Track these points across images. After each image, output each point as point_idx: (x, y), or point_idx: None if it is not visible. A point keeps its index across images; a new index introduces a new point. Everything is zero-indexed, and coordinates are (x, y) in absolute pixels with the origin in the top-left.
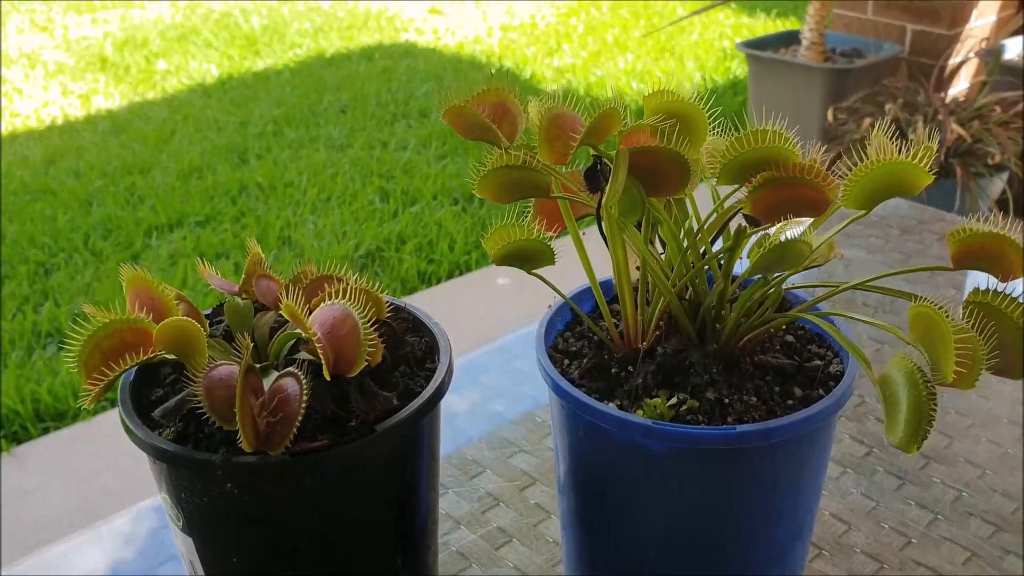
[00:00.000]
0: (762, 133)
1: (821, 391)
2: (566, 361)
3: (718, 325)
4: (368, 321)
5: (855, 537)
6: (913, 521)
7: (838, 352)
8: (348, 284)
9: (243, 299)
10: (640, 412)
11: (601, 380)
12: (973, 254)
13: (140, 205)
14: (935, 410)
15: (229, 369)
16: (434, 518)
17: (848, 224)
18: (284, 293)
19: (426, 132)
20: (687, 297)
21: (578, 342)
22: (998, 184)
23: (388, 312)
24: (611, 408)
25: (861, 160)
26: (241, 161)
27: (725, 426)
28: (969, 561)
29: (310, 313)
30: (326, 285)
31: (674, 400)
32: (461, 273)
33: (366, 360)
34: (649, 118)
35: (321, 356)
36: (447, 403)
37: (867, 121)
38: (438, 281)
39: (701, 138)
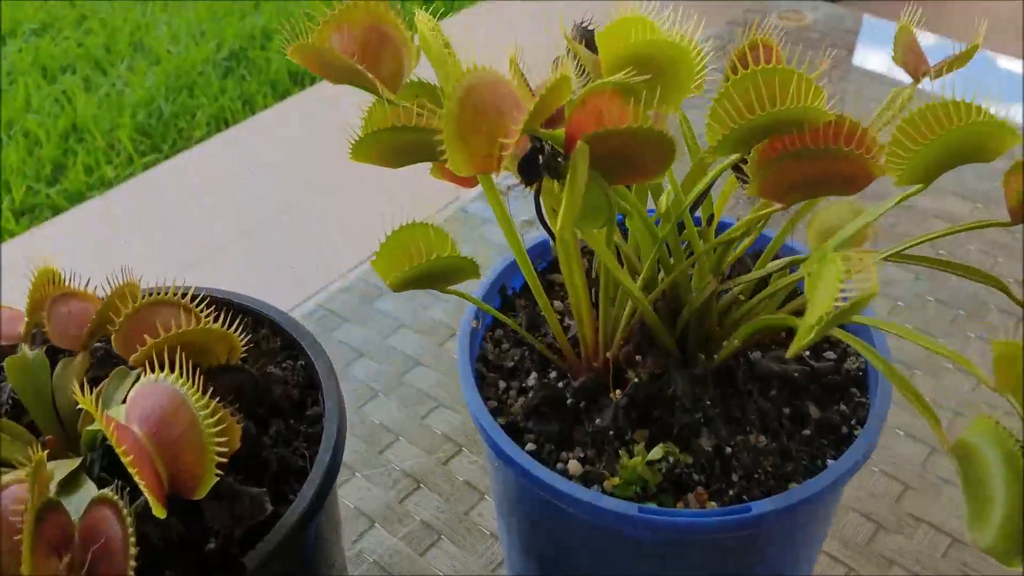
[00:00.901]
0: (778, 75)
1: (843, 406)
2: (501, 383)
3: (705, 331)
4: (206, 404)
5: None
6: None
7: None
8: (182, 319)
9: (32, 346)
10: (614, 482)
11: (554, 420)
12: None
13: None
14: None
15: (16, 497)
16: None
17: (901, 201)
18: (84, 358)
19: None
20: (664, 296)
21: (515, 349)
22: None
23: (245, 341)
24: (578, 489)
25: (921, 119)
26: None
27: (735, 508)
28: None
29: (128, 390)
30: (156, 321)
31: (658, 453)
32: None
33: (216, 471)
34: (612, 72)
35: (143, 486)
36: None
37: None
38: (312, 82)
39: (684, 91)
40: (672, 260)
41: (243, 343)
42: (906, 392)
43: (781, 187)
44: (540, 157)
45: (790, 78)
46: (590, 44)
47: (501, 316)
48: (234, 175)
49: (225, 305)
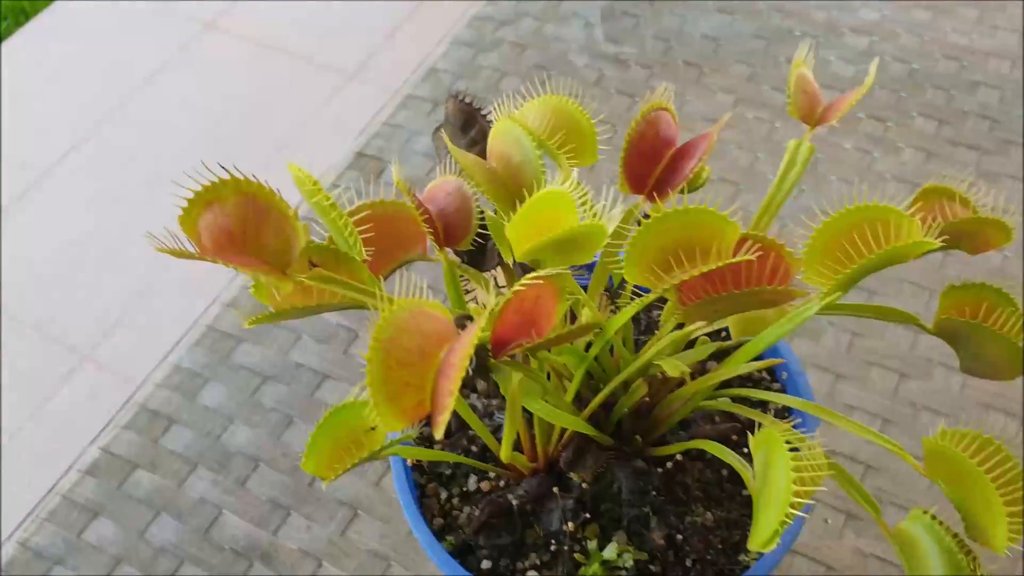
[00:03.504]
0: (690, 216)
1: None
2: (443, 493)
3: (641, 424)
4: None
5: None
6: None
7: (775, 370)
8: None
9: None
10: None
11: (505, 532)
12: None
13: None
14: None
15: None
16: None
17: (823, 307)
18: None
19: None
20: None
21: (447, 451)
22: None
23: None
24: None
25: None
26: None
27: None
28: None
29: None
30: None
31: (613, 552)
32: None
33: None
34: (528, 255)
35: None
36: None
37: None
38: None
39: (592, 254)
40: (604, 371)
41: None
42: (851, 491)
43: (707, 316)
44: (469, 369)
45: (702, 219)
46: (470, 122)
47: (429, 455)
48: None
49: None
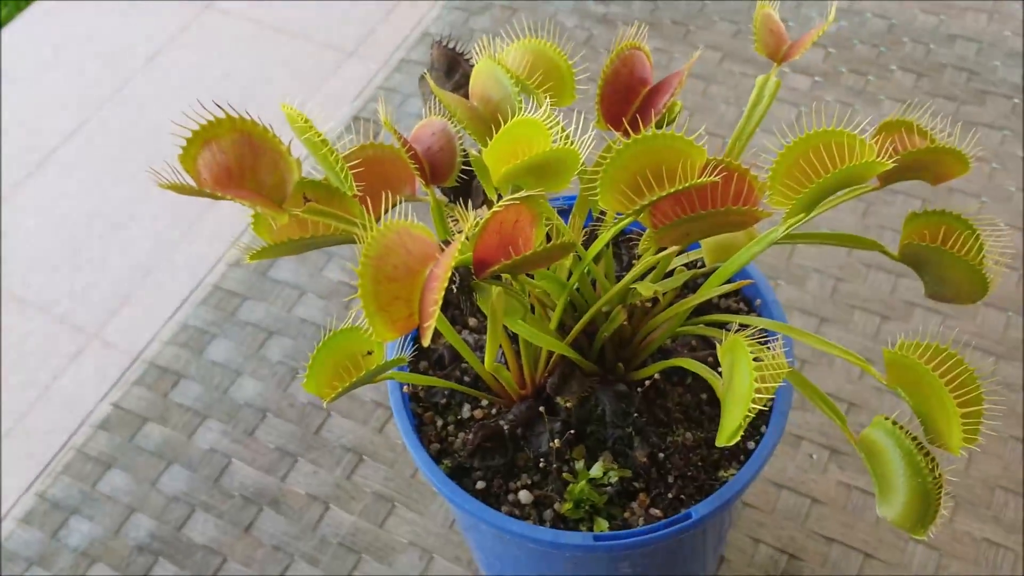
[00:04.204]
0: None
1: None
2: (439, 421)
3: (623, 352)
4: None
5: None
6: None
7: (751, 299)
8: None
9: None
10: (567, 506)
11: (497, 455)
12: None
13: None
14: (942, 490)
15: None
16: None
17: (788, 229)
18: None
19: None
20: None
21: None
22: None
23: None
24: (538, 530)
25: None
26: None
27: (678, 517)
28: None
29: None
30: None
31: (599, 471)
32: None
33: None
34: (505, 180)
35: None
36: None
37: None
38: None
39: (567, 181)
40: (585, 300)
41: None
42: (815, 398)
43: (678, 239)
44: (452, 285)
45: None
46: (454, 67)
47: (424, 380)
48: None
49: None
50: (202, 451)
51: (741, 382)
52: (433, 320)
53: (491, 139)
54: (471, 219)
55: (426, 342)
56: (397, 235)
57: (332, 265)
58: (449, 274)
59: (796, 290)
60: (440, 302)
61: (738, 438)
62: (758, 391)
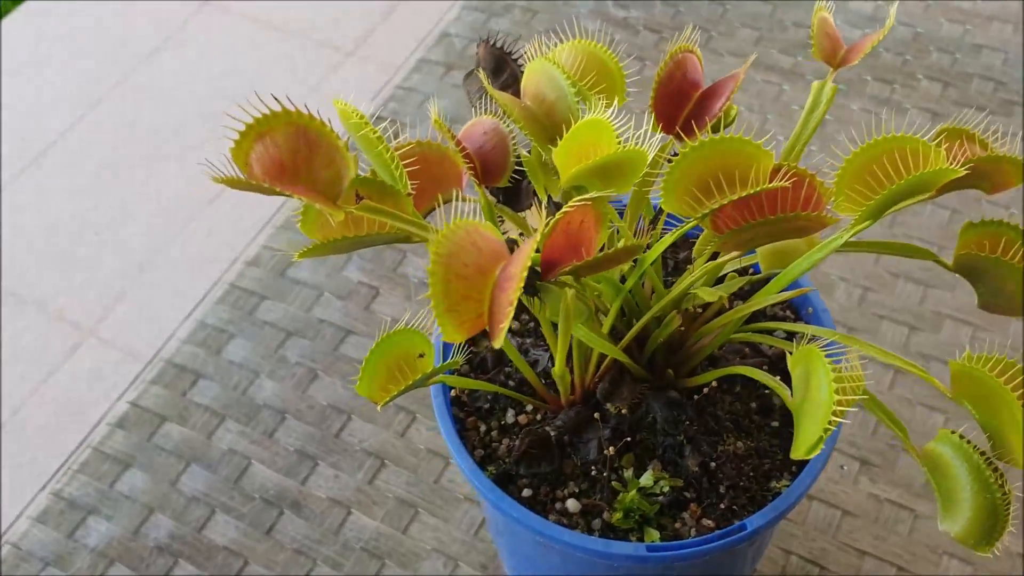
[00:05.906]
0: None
1: None
2: (482, 427)
3: (675, 357)
4: None
5: None
6: None
7: (798, 307)
8: None
9: None
10: (616, 516)
11: (543, 462)
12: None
13: None
14: (1011, 507)
15: None
16: None
17: (852, 235)
18: None
19: None
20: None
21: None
22: None
23: None
24: (587, 539)
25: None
26: None
27: (732, 529)
28: None
29: None
30: None
31: (649, 480)
32: None
33: None
34: (573, 180)
35: None
36: None
37: None
38: None
39: (634, 181)
40: (637, 304)
41: None
42: (875, 410)
43: (742, 244)
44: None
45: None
46: (501, 66)
47: (473, 384)
48: None
49: None
50: (221, 452)
51: (819, 394)
52: (508, 321)
53: (550, 139)
54: (542, 220)
55: (498, 344)
56: (467, 233)
57: (351, 266)
58: (525, 273)
59: (823, 299)
60: (515, 302)
61: (818, 451)
62: (839, 403)
